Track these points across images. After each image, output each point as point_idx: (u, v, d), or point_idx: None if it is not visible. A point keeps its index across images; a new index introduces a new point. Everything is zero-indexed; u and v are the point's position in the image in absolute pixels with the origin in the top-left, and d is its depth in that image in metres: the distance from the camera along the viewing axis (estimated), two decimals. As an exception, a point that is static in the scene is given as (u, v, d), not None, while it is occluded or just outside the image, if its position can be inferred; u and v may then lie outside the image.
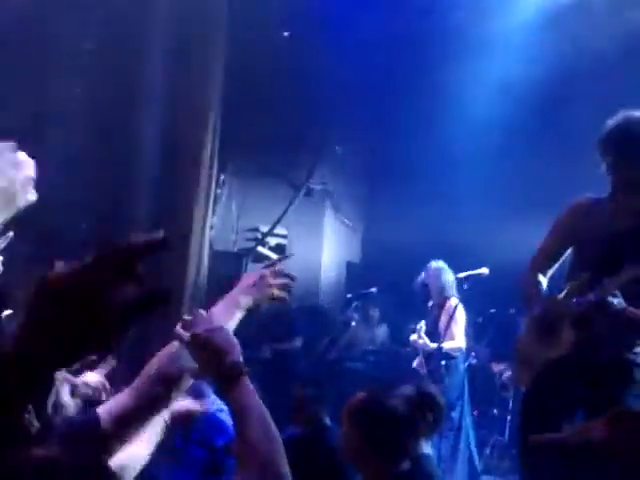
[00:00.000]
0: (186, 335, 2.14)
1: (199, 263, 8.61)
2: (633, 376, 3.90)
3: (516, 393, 5.28)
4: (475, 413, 7.76)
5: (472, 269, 7.01)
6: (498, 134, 8.91)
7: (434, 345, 7.07)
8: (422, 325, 7.31)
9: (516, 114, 8.77)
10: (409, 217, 9.22)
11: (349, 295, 8.88)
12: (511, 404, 7.64)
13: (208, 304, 2.42)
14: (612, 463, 1.50)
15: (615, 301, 3.68)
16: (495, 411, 8.07)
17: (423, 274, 7.38)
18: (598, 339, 3.87)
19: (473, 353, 7.66)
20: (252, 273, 2.56)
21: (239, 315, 2.43)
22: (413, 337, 7.34)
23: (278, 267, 2.59)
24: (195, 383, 2.67)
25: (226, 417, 5.17)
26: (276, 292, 2.53)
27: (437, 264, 7.33)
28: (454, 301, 7.14)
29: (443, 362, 7.02)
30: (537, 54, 8.61)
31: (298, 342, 9.11)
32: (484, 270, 6.97)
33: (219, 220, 9.14)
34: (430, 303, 7.38)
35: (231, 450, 4.39)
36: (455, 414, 7.02)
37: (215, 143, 8.69)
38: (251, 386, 2.09)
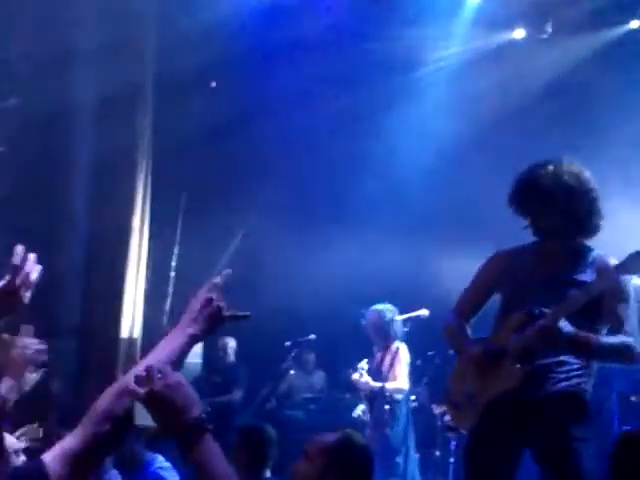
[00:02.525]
0: (141, 391, 2.02)
1: (133, 318, 8.49)
2: (581, 401, 3.94)
3: (459, 434, 5.29)
4: (417, 456, 7.71)
5: (413, 311, 7.04)
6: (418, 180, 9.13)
7: (377, 384, 7.03)
8: (364, 364, 7.28)
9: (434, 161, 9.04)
10: (343, 262, 9.24)
11: (287, 343, 8.81)
12: (453, 445, 7.61)
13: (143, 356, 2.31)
14: None
15: (565, 326, 3.72)
16: (438, 453, 8.03)
17: (368, 317, 7.34)
18: (540, 372, 3.91)
19: (413, 396, 7.63)
20: (199, 296, 2.39)
21: (187, 345, 2.28)
22: (355, 376, 7.29)
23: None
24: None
25: (169, 475, 5.07)
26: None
27: (381, 307, 7.30)
28: (397, 343, 7.13)
29: (387, 407, 6.99)
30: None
31: (238, 394, 8.99)
32: (424, 311, 6.98)
33: (154, 273, 9.02)
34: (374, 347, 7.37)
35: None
36: (400, 459, 6.97)
37: (146, 201, 8.61)
38: (215, 444, 2.00)
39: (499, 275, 4.18)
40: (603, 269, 3.91)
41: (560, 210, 3.96)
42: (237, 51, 8.97)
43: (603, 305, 3.87)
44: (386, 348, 7.20)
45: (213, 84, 9.88)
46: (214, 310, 2.33)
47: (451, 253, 8.56)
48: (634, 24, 8.96)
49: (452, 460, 7.60)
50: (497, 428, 3.94)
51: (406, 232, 9.15)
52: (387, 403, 7.00)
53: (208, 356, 9.75)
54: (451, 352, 5.29)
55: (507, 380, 3.91)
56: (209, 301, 2.34)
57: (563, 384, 3.91)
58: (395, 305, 7.32)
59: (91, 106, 8.23)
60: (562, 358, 3.91)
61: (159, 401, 1.99)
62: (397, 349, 7.12)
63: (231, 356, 9.36)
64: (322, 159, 9.80)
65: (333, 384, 9.72)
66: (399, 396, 7.16)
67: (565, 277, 3.97)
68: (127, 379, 2.13)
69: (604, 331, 3.93)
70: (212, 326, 2.33)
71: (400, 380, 7.16)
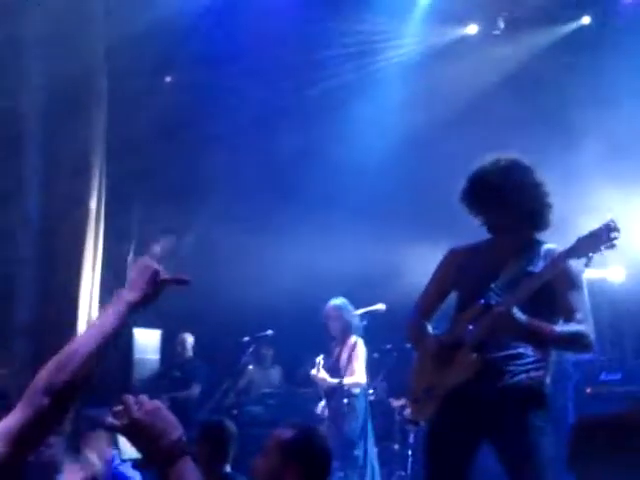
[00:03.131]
0: (121, 423, 2.05)
1: (89, 317, 8.41)
2: (539, 393, 3.98)
3: (418, 427, 5.30)
4: (376, 450, 7.75)
5: (370, 304, 7.08)
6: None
7: (335, 380, 7.06)
8: (320, 359, 7.30)
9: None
10: (300, 258, 9.25)
11: (246, 338, 8.80)
12: (412, 438, 7.65)
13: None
14: None
15: (517, 312, 3.76)
16: (396, 446, 8.07)
17: (326, 311, 7.33)
18: (497, 365, 3.95)
19: (371, 390, 7.67)
20: (137, 265, 2.42)
21: (127, 313, 2.27)
22: (313, 372, 7.32)
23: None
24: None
25: (131, 472, 5.05)
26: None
27: (336, 302, 7.32)
28: (354, 338, 7.16)
29: (345, 400, 7.02)
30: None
31: (196, 389, 8.99)
32: (380, 306, 7.03)
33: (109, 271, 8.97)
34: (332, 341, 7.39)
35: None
36: (358, 452, 7.00)
37: (101, 198, 8.53)
38: (194, 466, 2.01)
39: (455, 274, 4.19)
40: (553, 257, 3.96)
41: (511, 206, 3.98)
42: (186, 50, 8.95)
43: (555, 294, 3.90)
44: (344, 342, 7.24)
45: (168, 79, 9.84)
46: (151, 275, 2.34)
47: (409, 247, 8.62)
48: (585, 20, 9.11)
49: (410, 453, 7.65)
50: (455, 419, 3.96)
51: (364, 227, 9.20)
52: (346, 397, 7.03)
53: (166, 351, 9.74)
54: (408, 345, 5.33)
55: (464, 370, 3.93)
56: (146, 267, 2.36)
57: (521, 376, 3.93)
58: (353, 299, 7.36)
59: (43, 104, 8.13)
60: (519, 351, 3.93)
61: (140, 429, 2.02)
62: (354, 343, 7.15)
63: (189, 351, 9.38)
64: (276, 155, 9.81)
65: (291, 379, 9.74)
66: (357, 390, 7.20)
67: (519, 271, 4.00)
68: (65, 352, 2.17)
69: (561, 321, 3.96)
70: (151, 292, 2.34)
71: (358, 375, 7.19)
